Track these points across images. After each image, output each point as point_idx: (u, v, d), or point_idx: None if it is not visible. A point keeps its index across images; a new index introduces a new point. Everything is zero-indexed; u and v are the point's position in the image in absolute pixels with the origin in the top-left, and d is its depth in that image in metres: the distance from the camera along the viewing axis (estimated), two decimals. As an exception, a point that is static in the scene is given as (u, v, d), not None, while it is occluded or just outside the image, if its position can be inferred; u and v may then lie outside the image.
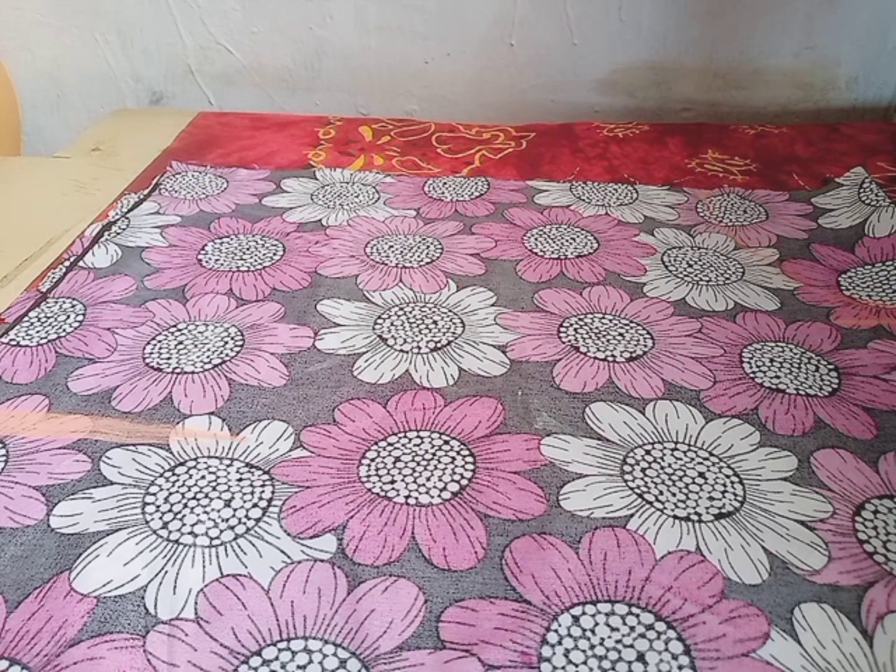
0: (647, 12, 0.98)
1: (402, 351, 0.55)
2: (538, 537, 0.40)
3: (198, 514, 0.41)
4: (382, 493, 0.43)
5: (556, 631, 0.36)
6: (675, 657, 0.34)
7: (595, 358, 0.54)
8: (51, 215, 0.74)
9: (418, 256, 0.67)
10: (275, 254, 0.67)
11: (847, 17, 0.97)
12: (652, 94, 1.04)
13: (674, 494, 0.43)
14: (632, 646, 0.35)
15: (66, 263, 0.65)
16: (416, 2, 1.00)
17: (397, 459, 0.45)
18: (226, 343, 0.55)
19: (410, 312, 0.59)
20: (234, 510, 0.42)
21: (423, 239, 0.70)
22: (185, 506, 0.42)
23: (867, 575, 0.38)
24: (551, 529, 0.41)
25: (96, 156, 0.89)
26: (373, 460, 0.45)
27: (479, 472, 0.44)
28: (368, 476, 0.44)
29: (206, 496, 0.42)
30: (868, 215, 0.70)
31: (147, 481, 0.44)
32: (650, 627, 0.36)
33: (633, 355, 0.54)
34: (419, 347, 0.55)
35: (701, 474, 0.44)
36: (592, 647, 0.35)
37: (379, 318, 0.59)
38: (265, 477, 0.44)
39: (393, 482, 0.44)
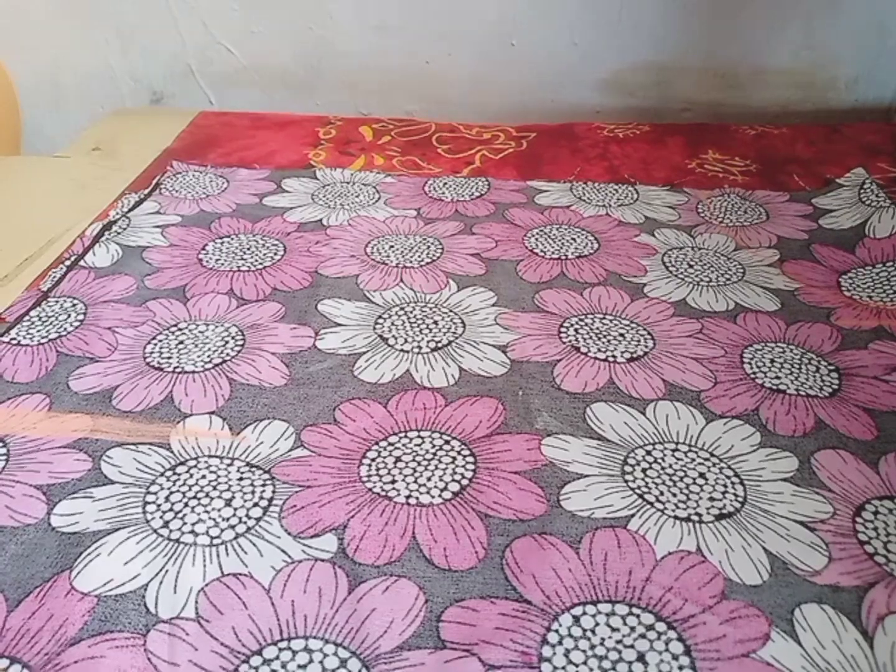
0: (647, 12, 0.98)
1: (402, 351, 0.55)
2: (539, 537, 0.40)
3: (198, 514, 0.41)
4: (383, 493, 0.43)
5: (556, 631, 0.36)
6: (675, 657, 0.34)
7: (596, 358, 0.54)
8: (51, 215, 0.74)
9: (419, 256, 0.67)
10: (275, 253, 0.67)
11: (847, 17, 0.97)
12: (652, 94, 1.04)
13: (674, 495, 0.43)
14: (632, 646, 0.35)
15: (67, 263, 0.65)
16: (417, 2, 1.00)
17: (398, 459, 0.45)
18: (226, 343, 0.55)
19: (411, 312, 0.59)
20: (235, 509, 0.42)
21: (424, 239, 0.70)
22: (186, 505, 0.42)
23: (868, 576, 0.38)
24: (552, 529, 0.41)
25: (96, 155, 0.89)
26: (373, 460, 0.45)
27: (479, 472, 0.44)
28: (369, 476, 0.44)
29: (207, 495, 0.42)
30: (869, 216, 0.70)
31: (148, 480, 0.44)
32: (650, 628, 0.36)
33: (634, 356, 0.54)
34: (420, 347, 0.55)
35: (701, 475, 0.44)
36: (593, 647, 0.35)
37: (379, 317, 0.59)
38: (266, 476, 0.44)
39: (394, 482, 0.44)
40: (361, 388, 0.51)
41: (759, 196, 0.78)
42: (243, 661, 0.35)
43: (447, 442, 0.47)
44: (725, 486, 0.43)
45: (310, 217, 0.74)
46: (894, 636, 0.35)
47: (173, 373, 0.52)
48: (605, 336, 0.56)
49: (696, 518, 0.41)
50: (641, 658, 0.34)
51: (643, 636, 0.35)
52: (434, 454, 0.46)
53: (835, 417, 0.48)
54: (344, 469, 0.45)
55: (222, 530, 0.40)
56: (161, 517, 0.41)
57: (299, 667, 0.34)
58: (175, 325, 0.57)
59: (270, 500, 0.42)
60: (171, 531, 0.40)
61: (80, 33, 1.05)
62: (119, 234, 0.69)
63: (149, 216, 0.72)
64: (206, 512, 0.41)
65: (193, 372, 0.52)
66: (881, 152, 0.86)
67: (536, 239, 0.70)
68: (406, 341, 0.56)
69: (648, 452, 0.46)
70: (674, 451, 0.46)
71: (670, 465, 0.45)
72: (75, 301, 0.60)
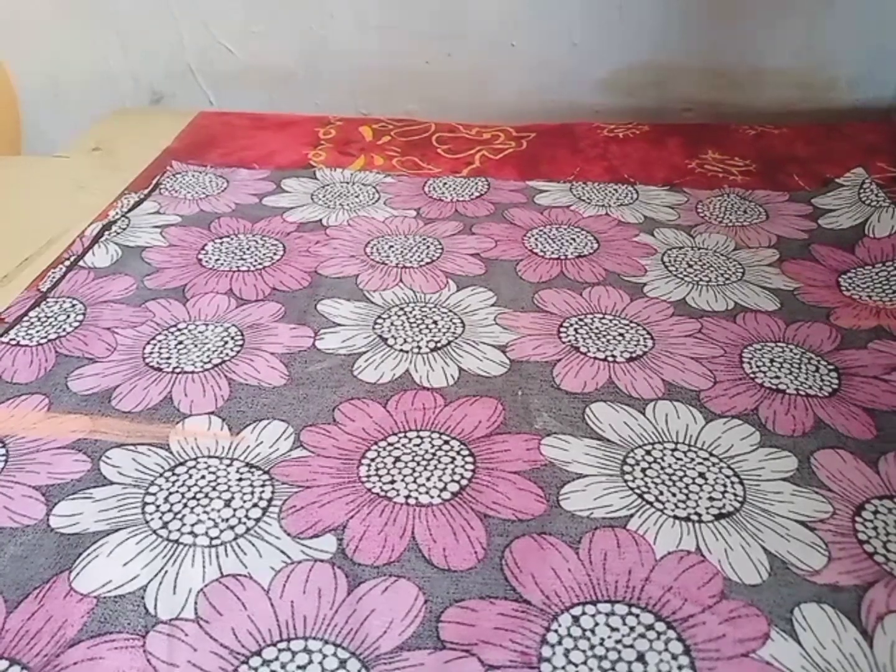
0: (647, 12, 0.98)
1: (402, 351, 0.55)
2: (538, 537, 0.40)
3: (198, 514, 0.41)
4: (382, 493, 0.43)
5: (555, 631, 0.36)
6: (674, 657, 0.34)
7: (595, 358, 0.54)
8: (51, 215, 0.74)
9: (418, 256, 0.67)
10: (275, 254, 0.67)
11: (847, 17, 0.97)
12: (652, 94, 1.04)
13: (674, 495, 0.43)
14: (632, 646, 0.35)
15: (67, 263, 0.65)
16: (417, 2, 1.00)
17: (397, 459, 0.45)
18: (226, 343, 0.55)
19: (410, 312, 0.59)
20: (234, 510, 0.42)
21: (424, 239, 0.70)
22: (185, 506, 0.42)
23: (867, 575, 0.38)
24: (551, 529, 0.41)
25: (96, 155, 0.89)
26: (373, 460, 0.45)
27: (479, 472, 0.44)
28: (368, 476, 0.44)
29: (206, 496, 0.42)
30: (868, 216, 0.70)
31: (147, 481, 0.44)
32: (650, 628, 0.36)
33: (634, 355, 0.54)
34: (419, 347, 0.55)
35: (701, 474, 0.44)
36: (592, 647, 0.35)
37: (379, 317, 0.59)
38: (265, 477, 0.44)
39: (393, 482, 0.44)
40: (361, 388, 0.51)
41: (758, 196, 0.78)
42: (243, 662, 0.35)
43: (446, 442, 0.47)
44: (725, 485, 0.43)
45: (309, 217, 0.74)
46: (894, 635, 0.35)
47: (172, 373, 0.52)
48: (604, 336, 0.56)
49: (695, 518, 0.41)
50: (641, 658, 0.34)
51: (642, 636, 0.35)
52: (433, 454, 0.46)
53: (834, 417, 0.48)
54: (343, 469, 0.45)
55: (221, 531, 0.40)
56: (160, 518, 0.41)
57: (299, 667, 0.34)
58: (174, 326, 0.57)
59: (270, 500, 0.42)
60: (170, 532, 0.40)
61: (81, 33, 1.05)
62: (118, 234, 0.69)
63: (148, 216, 0.72)
64: (206, 512, 0.41)
65: (193, 372, 0.52)
66: (881, 152, 0.85)
67: (536, 239, 0.70)
68: (405, 341, 0.56)
69: (648, 452, 0.46)
70: (673, 450, 0.46)
71: (670, 465, 0.45)
72: (74, 301, 0.60)
